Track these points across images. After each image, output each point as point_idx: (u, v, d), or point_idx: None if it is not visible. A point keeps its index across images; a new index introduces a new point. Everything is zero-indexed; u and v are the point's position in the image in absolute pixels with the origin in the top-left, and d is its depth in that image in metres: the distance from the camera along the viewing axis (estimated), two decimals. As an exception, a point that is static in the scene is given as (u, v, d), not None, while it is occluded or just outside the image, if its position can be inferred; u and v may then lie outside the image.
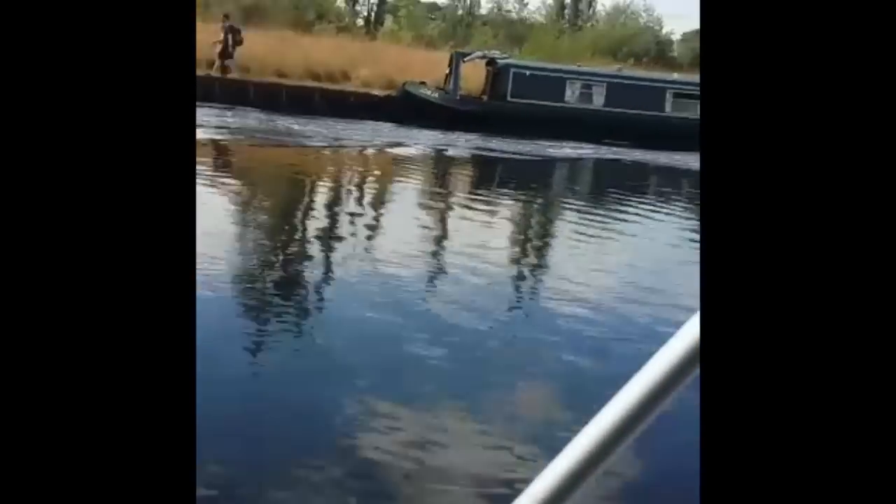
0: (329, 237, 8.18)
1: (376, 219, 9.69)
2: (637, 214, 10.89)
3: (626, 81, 20.81)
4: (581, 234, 9.22)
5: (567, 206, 12.00)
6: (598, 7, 42.04)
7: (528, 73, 20.32)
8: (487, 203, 11.00)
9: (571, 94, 20.48)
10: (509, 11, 40.20)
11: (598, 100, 20.48)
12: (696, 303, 0.53)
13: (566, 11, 41.65)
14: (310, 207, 10.18)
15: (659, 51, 35.83)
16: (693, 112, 20.32)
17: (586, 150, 17.83)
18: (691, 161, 17.27)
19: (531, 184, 13.15)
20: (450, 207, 10.67)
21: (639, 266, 7.92)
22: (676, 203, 12.44)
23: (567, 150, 17.62)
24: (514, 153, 16.64)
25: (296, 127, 16.21)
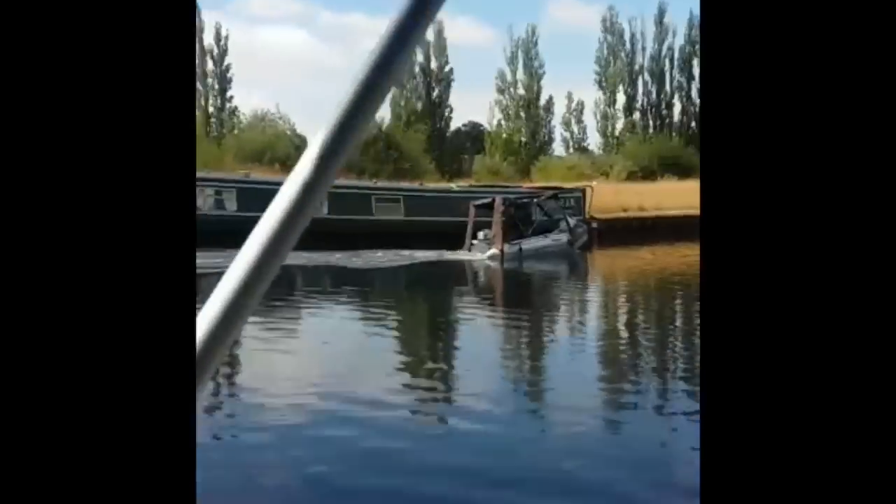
0: None
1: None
2: (288, 319, 10.89)
3: (256, 186, 20.89)
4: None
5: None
6: (241, 116, 42.65)
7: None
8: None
9: (203, 202, 20.17)
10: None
11: (231, 205, 20.43)
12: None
13: (212, 120, 41.76)
14: None
15: (300, 155, 36.72)
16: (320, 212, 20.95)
17: (224, 259, 17.34)
18: (318, 258, 17.72)
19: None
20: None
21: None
22: (326, 299, 12.56)
23: (211, 259, 16.83)
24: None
25: None
